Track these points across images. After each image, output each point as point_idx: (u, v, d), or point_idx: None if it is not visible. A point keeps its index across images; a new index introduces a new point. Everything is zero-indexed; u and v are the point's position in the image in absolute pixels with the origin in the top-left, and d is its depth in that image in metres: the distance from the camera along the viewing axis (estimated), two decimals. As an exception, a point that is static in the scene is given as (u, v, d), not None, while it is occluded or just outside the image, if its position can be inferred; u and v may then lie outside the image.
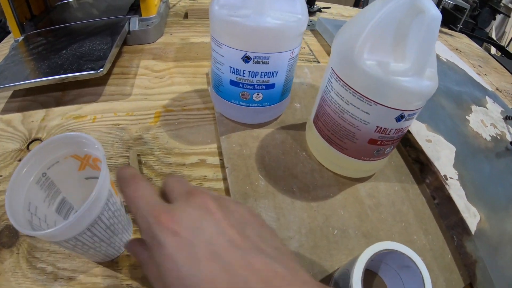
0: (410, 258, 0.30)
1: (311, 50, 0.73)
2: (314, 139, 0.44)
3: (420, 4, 0.31)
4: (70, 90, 0.53)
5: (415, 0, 0.31)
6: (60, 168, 0.30)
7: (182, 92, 0.55)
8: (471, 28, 1.32)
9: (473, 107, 0.63)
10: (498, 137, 0.57)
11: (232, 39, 0.39)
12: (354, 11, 1.06)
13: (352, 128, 0.37)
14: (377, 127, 0.36)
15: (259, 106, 0.45)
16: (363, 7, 0.99)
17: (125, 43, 0.65)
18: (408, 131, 0.50)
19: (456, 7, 1.17)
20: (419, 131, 0.51)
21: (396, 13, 0.32)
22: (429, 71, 0.34)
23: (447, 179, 0.44)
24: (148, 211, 0.21)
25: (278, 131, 0.48)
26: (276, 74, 0.42)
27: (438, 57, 0.76)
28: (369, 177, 0.45)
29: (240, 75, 0.41)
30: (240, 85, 0.42)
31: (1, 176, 0.40)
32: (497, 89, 0.79)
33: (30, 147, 0.44)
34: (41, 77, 0.49)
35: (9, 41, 0.67)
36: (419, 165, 0.48)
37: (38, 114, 0.49)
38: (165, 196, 0.24)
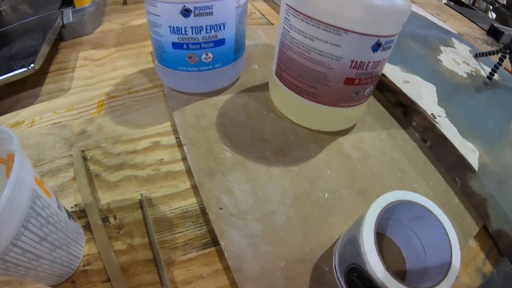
0: (423, 206, 0.23)
1: (262, 14, 0.67)
2: (280, 95, 0.37)
3: None
4: (6, 98, 0.44)
5: None
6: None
7: (126, 75, 0.46)
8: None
9: (442, 48, 0.58)
10: (473, 73, 0.53)
11: None
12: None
13: (323, 68, 0.29)
14: (352, 61, 0.28)
15: (211, 69, 0.37)
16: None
17: (62, 39, 0.56)
18: (383, 75, 0.43)
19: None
20: (394, 73, 0.44)
21: None
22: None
23: (435, 118, 0.38)
24: None
25: (238, 96, 0.40)
26: (224, 26, 0.34)
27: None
28: (350, 129, 0.38)
29: (182, 34, 0.33)
30: (185, 46, 0.34)
31: None
32: (459, 33, 0.75)
33: None
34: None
35: None
36: (402, 108, 0.41)
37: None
38: None
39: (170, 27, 0.33)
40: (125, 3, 0.68)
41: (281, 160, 0.33)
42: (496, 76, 0.52)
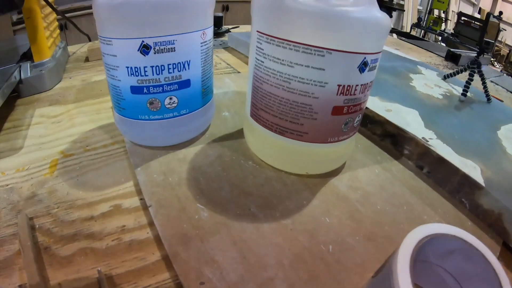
0: (455, 237, 0.18)
1: (228, 64, 0.64)
2: (259, 139, 0.31)
3: None
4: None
5: None
6: None
7: (84, 132, 0.39)
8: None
9: (412, 75, 0.57)
10: (448, 94, 0.51)
11: (122, 27, 0.26)
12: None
13: (307, 98, 0.24)
14: (339, 86, 0.24)
15: (176, 116, 0.31)
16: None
17: (19, 95, 0.50)
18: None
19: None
20: (375, 104, 0.40)
21: None
22: (375, 6, 0.24)
23: (427, 141, 0.34)
24: None
25: (210, 146, 0.34)
26: (188, 65, 0.28)
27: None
28: (341, 168, 0.32)
29: (141, 76, 0.27)
30: (145, 89, 0.28)
31: None
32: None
33: None
34: None
35: None
36: (391, 139, 0.37)
37: None
38: None
39: (127, 68, 0.27)
40: (87, 60, 0.63)
41: (270, 214, 0.26)
42: (468, 93, 0.51)
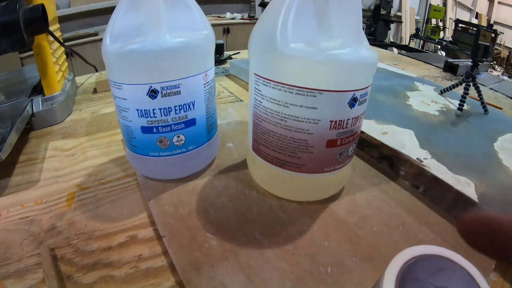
0: (440, 256, 0.20)
1: (231, 92, 0.67)
2: (261, 171, 0.34)
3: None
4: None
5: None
6: None
7: (98, 165, 0.43)
8: (371, 44, 1.38)
9: (408, 93, 0.60)
10: (444, 109, 0.54)
11: (131, 73, 0.29)
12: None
13: (302, 135, 0.27)
14: (331, 122, 0.27)
15: (184, 152, 0.34)
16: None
17: (31, 128, 0.54)
18: (361, 131, 0.42)
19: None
20: (371, 127, 0.43)
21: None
22: (364, 43, 0.27)
23: (422, 161, 0.36)
24: None
25: (216, 178, 0.37)
26: (193, 105, 0.32)
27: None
28: (340, 192, 0.35)
29: (151, 117, 0.31)
30: (154, 129, 0.31)
31: None
32: (420, 77, 0.78)
33: None
34: None
35: None
36: (387, 161, 0.39)
37: None
38: None
39: (137, 110, 0.31)
40: (95, 91, 0.67)
41: (273, 240, 0.29)
42: (464, 106, 0.53)
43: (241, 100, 0.63)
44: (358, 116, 0.28)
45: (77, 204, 0.37)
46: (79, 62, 0.73)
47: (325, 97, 0.26)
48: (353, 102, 0.27)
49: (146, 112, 0.30)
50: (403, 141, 0.41)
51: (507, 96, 0.72)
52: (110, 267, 0.29)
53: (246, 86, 0.71)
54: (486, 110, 0.54)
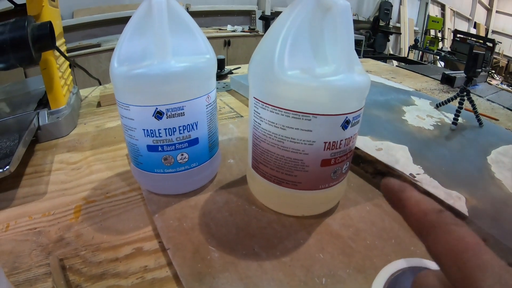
0: (428, 269, 0.23)
1: (231, 108, 0.70)
2: (260, 187, 0.36)
3: (325, 0, 0.27)
4: (-21, 203, 0.42)
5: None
6: None
7: (103, 179, 0.45)
8: (370, 56, 1.41)
9: (404, 108, 0.62)
10: (439, 123, 0.57)
11: (138, 96, 0.32)
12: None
13: (298, 155, 0.30)
14: (325, 143, 0.29)
15: (187, 169, 0.37)
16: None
17: (37, 141, 0.56)
18: (356, 148, 0.44)
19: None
20: (366, 143, 0.46)
21: (305, 16, 0.29)
22: (357, 68, 0.30)
23: (414, 177, 0.39)
24: None
25: (217, 193, 0.40)
26: (196, 125, 0.35)
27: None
28: (335, 207, 0.37)
29: (156, 136, 0.33)
30: (160, 148, 0.34)
31: None
32: (417, 90, 0.81)
33: None
34: None
35: None
36: (381, 176, 0.42)
37: None
38: None
39: (144, 130, 0.33)
40: (99, 105, 0.70)
41: (271, 253, 0.31)
42: (460, 119, 0.55)
43: (242, 116, 0.65)
44: (351, 137, 0.31)
45: (84, 216, 0.39)
46: (82, 74, 0.76)
47: (319, 121, 0.28)
48: (346, 124, 0.29)
49: (152, 132, 0.33)
50: (397, 156, 0.43)
51: (504, 106, 0.74)
52: (117, 277, 0.31)
53: (246, 102, 0.73)
54: (481, 123, 0.56)
